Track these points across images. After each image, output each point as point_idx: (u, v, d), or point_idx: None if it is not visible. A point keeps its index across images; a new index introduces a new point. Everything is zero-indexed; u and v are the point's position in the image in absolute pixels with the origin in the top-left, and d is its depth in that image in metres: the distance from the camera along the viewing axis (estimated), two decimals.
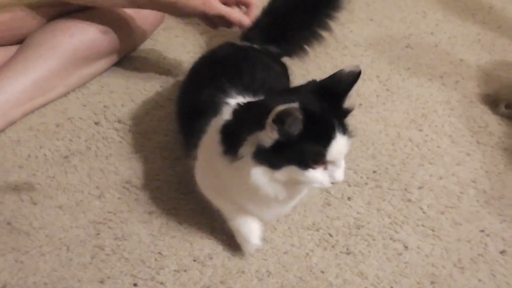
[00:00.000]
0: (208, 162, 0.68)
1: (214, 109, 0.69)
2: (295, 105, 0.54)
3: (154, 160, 0.88)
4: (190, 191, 0.80)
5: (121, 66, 1.07)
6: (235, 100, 0.67)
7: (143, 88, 1.02)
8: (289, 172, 0.60)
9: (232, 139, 0.62)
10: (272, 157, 0.59)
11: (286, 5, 0.94)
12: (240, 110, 0.64)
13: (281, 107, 0.54)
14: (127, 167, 0.86)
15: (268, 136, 0.58)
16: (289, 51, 0.97)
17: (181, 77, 1.04)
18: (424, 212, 0.84)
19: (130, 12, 1.00)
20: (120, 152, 0.89)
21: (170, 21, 1.21)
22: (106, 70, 1.04)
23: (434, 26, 1.34)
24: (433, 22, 1.36)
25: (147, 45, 1.13)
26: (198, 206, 0.80)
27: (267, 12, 0.94)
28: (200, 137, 0.70)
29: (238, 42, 0.93)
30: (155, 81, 1.04)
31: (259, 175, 0.60)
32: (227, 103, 0.68)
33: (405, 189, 0.87)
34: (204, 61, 0.89)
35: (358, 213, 0.82)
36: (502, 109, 1.05)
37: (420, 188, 0.87)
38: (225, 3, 0.93)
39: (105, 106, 0.97)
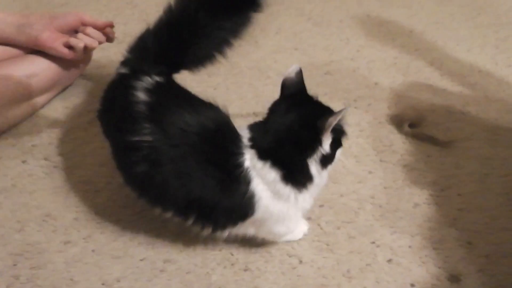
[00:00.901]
0: (278, 208, 0.74)
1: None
2: (342, 110, 0.70)
3: (75, 194, 0.95)
4: (105, 221, 0.87)
5: (53, 104, 1.14)
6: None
7: (71, 126, 1.09)
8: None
9: (293, 173, 0.72)
10: (331, 155, 0.74)
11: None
12: (271, 148, 0.71)
13: (333, 118, 0.69)
14: (49, 201, 0.93)
15: (327, 143, 0.72)
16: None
17: None
18: (321, 228, 0.91)
19: (50, 58, 1.08)
20: (44, 187, 0.96)
21: (104, 60, 1.29)
22: (37, 110, 1.11)
23: (355, 52, 1.43)
24: (355, 48, 1.45)
25: (79, 82, 1.20)
26: (112, 234, 0.87)
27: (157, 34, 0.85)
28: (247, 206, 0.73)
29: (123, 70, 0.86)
30: (83, 118, 1.12)
31: (325, 174, 0.76)
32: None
33: None
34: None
35: None
36: (406, 128, 1.14)
37: (321, 206, 0.95)
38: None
39: (33, 145, 1.04)
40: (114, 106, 0.79)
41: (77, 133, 1.08)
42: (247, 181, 0.71)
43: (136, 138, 0.71)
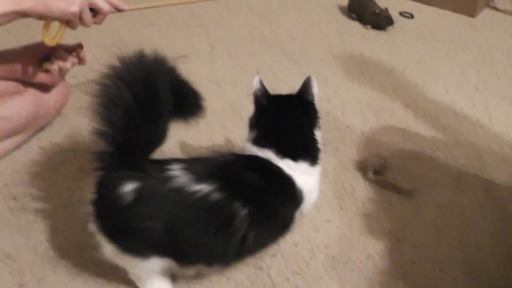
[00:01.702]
0: (313, 183, 0.89)
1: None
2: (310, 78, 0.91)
3: (37, 235, 0.98)
4: (61, 263, 0.90)
5: (29, 143, 1.18)
6: None
7: (43, 166, 1.13)
8: None
9: (313, 153, 0.88)
10: None
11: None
12: (296, 148, 0.86)
13: (314, 88, 0.90)
14: (11, 242, 0.97)
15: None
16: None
17: (79, 153, 1.15)
18: (271, 279, 0.93)
19: (30, 97, 1.12)
20: (8, 228, 0.99)
21: (82, 98, 1.33)
22: (13, 150, 1.16)
23: (332, 93, 1.46)
24: (333, 88, 1.48)
25: (56, 121, 1.24)
26: (65, 278, 0.90)
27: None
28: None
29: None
30: (56, 158, 1.16)
31: None
32: None
33: (259, 257, 0.96)
34: None
35: (209, 281, 0.92)
36: (370, 175, 1.15)
37: (273, 255, 0.97)
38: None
39: (4, 185, 1.09)
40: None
41: (48, 174, 1.12)
42: (293, 183, 0.84)
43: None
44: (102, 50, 1.55)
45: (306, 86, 0.91)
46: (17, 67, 1.08)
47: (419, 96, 1.46)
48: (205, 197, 0.74)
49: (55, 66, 1.08)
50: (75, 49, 1.11)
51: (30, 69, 1.09)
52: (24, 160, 1.14)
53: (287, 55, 1.61)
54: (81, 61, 1.12)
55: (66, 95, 1.21)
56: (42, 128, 1.22)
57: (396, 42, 1.76)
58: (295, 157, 0.85)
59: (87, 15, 1.03)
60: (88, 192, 0.99)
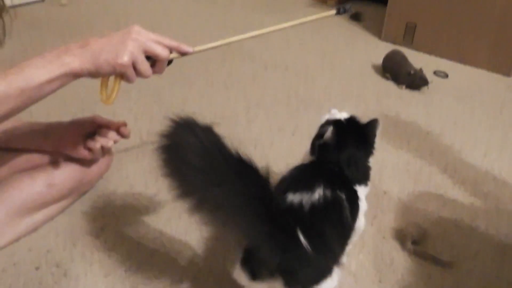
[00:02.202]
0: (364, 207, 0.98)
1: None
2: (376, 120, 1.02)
3: None
4: None
5: (72, 207, 1.22)
6: None
7: (85, 230, 1.17)
8: None
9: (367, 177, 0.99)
10: None
11: None
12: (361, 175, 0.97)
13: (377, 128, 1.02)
14: None
15: None
16: None
17: (121, 218, 1.18)
18: None
19: (76, 165, 1.17)
20: None
21: (125, 158, 1.38)
22: (58, 214, 1.20)
23: None
24: None
25: (99, 184, 1.28)
26: None
27: None
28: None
29: None
30: (97, 223, 1.19)
31: None
32: None
33: None
34: None
35: None
36: (409, 245, 1.14)
37: None
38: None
39: (48, 251, 1.12)
40: None
41: (90, 239, 1.14)
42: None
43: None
44: (143, 111, 1.60)
45: (371, 127, 1.00)
46: (63, 143, 1.13)
47: (457, 160, 1.45)
48: (325, 197, 0.84)
49: (98, 144, 1.11)
50: (119, 127, 1.15)
51: (74, 146, 1.12)
52: (66, 224, 1.18)
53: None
54: (124, 137, 1.15)
55: (110, 161, 1.25)
56: (85, 192, 1.26)
57: (431, 103, 1.76)
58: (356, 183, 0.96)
59: (143, 65, 0.92)
60: (128, 259, 1.02)
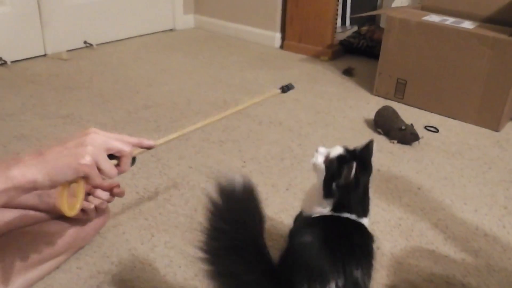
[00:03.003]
0: None
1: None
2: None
3: None
4: None
5: (67, 263, 1.23)
6: None
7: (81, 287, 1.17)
8: None
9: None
10: None
11: None
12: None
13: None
14: None
15: None
16: None
17: (116, 275, 1.19)
18: None
19: (71, 221, 1.19)
20: None
21: (121, 216, 1.40)
22: (53, 270, 1.21)
23: None
24: None
25: (95, 240, 1.30)
26: None
27: None
28: None
29: None
30: (93, 280, 1.20)
31: None
32: None
33: None
34: None
35: None
36: None
37: None
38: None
39: None
40: None
41: None
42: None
43: None
44: (139, 166, 1.63)
45: (369, 150, 0.98)
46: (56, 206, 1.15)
47: (448, 217, 1.48)
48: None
49: (92, 205, 1.13)
50: (112, 188, 1.16)
51: None
52: (62, 281, 1.19)
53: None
54: (118, 195, 1.16)
55: (106, 217, 1.27)
56: (81, 248, 1.27)
57: (422, 158, 1.81)
58: (366, 215, 0.97)
59: (106, 163, 0.85)
60: None
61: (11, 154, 1.69)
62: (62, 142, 0.84)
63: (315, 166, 0.99)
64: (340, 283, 0.80)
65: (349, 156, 0.96)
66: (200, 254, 0.79)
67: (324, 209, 0.95)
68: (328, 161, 0.96)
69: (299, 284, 0.80)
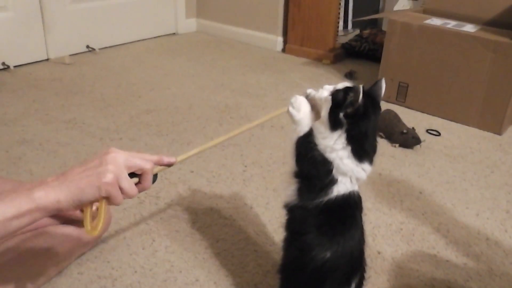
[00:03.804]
0: None
1: None
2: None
3: None
4: None
5: (68, 269, 1.23)
6: None
7: None
8: None
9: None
10: None
11: None
12: None
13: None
14: None
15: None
16: None
17: (119, 282, 1.19)
18: None
19: (73, 227, 1.19)
20: None
21: (123, 221, 1.40)
22: (55, 276, 1.21)
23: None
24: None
25: (97, 245, 1.30)
26: None
27: None
28: None
29: None
30: (94, 285, 1.20)
31: None
32: None
33: None
34: None
35: None
36: None
37: None
38: None
39: None
40: None
41: None
42: None
43: None
44: None
45: (379, 88, 0.92)
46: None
47: (449, 221, 1.48)
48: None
49: (94, 207, 1.12)
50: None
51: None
52: (63, 286, 1.19)
53: None
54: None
55: (108, 222, 1.27)
56: (82, 253, 1.28)
57: (424, 162, 1.80)
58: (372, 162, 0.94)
59: (127, 182, 0.83)
60: None
61: (13, 159, 1.70)
62: (83, 163, 0.83)
63: (321, 100, 0.92)
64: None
65: (356, 87, 0.87)
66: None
67: (336, 144, 0.89)
68: (335, 91, 0.90)
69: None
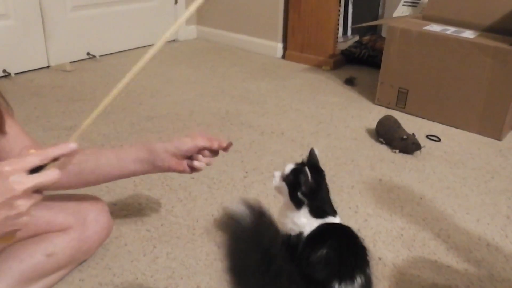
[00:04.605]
0: None
1: None
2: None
3: None
4: None
5: (70, 275, 1.23)
6: None
7: None
8: None
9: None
10: None
11: None
12: None
13: None
14: None
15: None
16: None
17: None
18: None
19: (74, 234, 1.19)
20: None
21: (124, 227, 1.40)
22: (56, 283, 1.21)
23: (362, 222, 1.49)
24: (363, 217, 1.51)
25: (98, 252, 1.30)
26: None
27: None
28: None
29: None
30: None
31: None
32: None
33: None
34: None
35: None
36: None
37: None
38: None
39: None
40: None
41: None
42: None
43: None
44: (142, 177, 1.64)
45: (313, 156, 1.09)
46: (165, 167, 1.17)
47: (450, 226, 1.48)
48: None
49: (203, 165, 1.17)
50: (218, 150, 1.20)
51: (180, 166, 1.17)
52: None
53: None
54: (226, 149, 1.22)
55: (110, 229, 1.27)
56: (84, 260, 1.28)
57: (424, 168, 1.81)
58: (336, 214, 1.06)
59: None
60: None
61: None
62: None
63: (277, 188, 1.08)
64: (362, 279, 0.89)
65: (300, 166, 1.05)
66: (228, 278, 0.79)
67: (304, 219, 1.03)
68: (285, 177, 1.06)
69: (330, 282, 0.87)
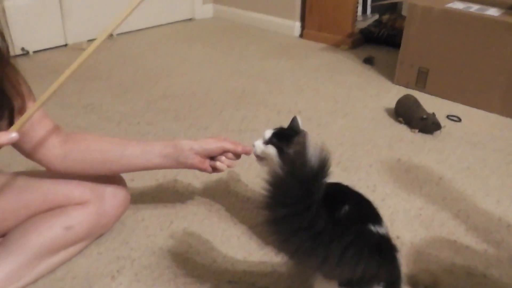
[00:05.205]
0: None
1: None
2: None
3: None
4: None
5: (88, 249, 1.24)
6: None
7: (101, 272, 1.19)
8: None
9: None
10: None
11: None
12: None
13: None
14: None
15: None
16: None
17: (136, 261, 1.20)
18: None
19: (92, 208, 1.20)
20: None
21: (141, 204, 1.41)
22: (75, 256, 1.22)
23: (380, 201, 1.47)
24: (381, 196, 1.49)
25: (115, 226, 1.31)
26: None
27: None
28: None
29: None
30: (113, 265, 1.21)
31: None
32: None
33: None
34: None
35: None
36: None
37: None
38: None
39: None
40: None
41: (104, 282, 1.16)
42: None
43: None
44: None
45: (296, 123, 1.17)
46: (189, 164, 1.18)
47: (470, 207, 1.46)
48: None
49: (225, 166, 1.18)
50: (241, 154, 1.21)
51: (202, 165, 1.18)
52: (83, 266, 1.20)
53: (335, 161, 1.65)
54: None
55: (127, 204, 1.28)
56: (101, 234, 1.29)
57: (444, 148, 1.78)
58: None
59: None
60: None
61: None
62: None
63: (263, 154, 1.15)
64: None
65: (279, 130, 1.16)
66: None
67: None
68: (268, 140, 1.14)
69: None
